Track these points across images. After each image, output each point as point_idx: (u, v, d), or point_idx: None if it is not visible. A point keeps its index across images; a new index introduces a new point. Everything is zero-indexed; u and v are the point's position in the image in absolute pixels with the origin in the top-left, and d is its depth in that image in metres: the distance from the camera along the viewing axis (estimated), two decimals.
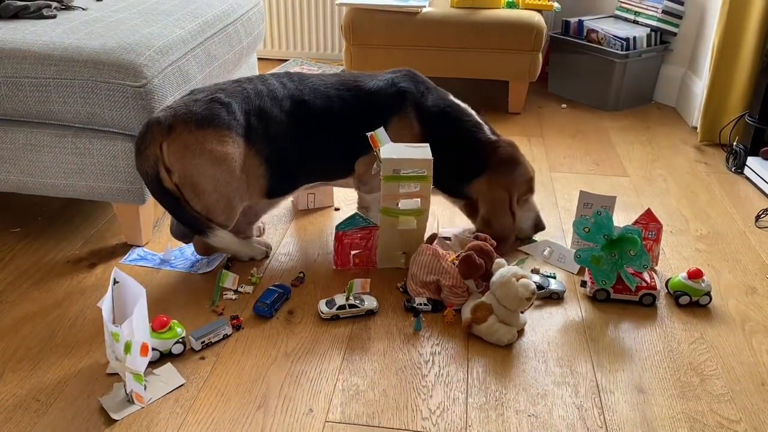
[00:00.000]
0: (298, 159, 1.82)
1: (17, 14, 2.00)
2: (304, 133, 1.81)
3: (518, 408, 1.44)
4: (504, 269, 1.64)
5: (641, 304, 1.78)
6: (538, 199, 2.30)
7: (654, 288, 1.77)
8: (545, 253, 1.96)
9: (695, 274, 1.76)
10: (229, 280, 1.75)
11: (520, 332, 1.67)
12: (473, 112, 1.97)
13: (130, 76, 1.75)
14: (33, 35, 1.85)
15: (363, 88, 1.89)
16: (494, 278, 1.64)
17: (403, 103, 1.89)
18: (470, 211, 1.98)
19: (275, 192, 1.84)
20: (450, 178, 1.93)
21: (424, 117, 1.90)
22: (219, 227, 1.76)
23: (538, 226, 2.02)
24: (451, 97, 1.98)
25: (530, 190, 1.98)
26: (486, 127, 1.95)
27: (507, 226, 1.91)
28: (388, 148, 1.79)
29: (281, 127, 1.78)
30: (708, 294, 1.77)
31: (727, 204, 2.33)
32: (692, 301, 1.77)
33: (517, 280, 1.60)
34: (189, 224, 1.75)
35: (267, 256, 1.96)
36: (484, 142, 1.92)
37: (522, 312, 1.67)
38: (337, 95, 1.86)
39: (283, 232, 2.10)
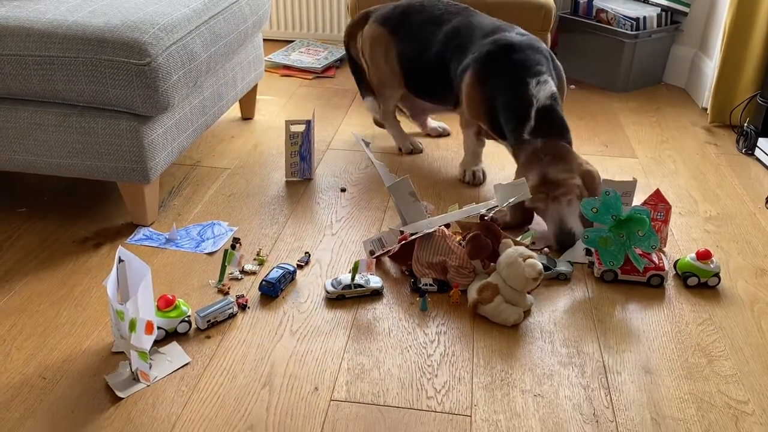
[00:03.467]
0: (420, 74, 2.35)
1: None
2: (424, 57, 2.31)
3: (524, 388, 1.43)
4: (511, 249, 1.63)
5: (649, 285, 1.77)
6: None
7: (662, 269, 1.75)
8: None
9: (704, 255, 1.74)
10: (235, 259, 1.75)
11: (527, 313, 1.66)
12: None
13: (134, 54, 1.73)
14: (36, 13, 1.83)
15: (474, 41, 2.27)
16: (501, 258, 1.63)
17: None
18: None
19: (410, 89, 2.41)
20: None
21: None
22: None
23: None
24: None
25: None
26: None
27: None
28: (502, 194, 1.82)
29: (415, 46, 2.32)
30: (717, 275, 1.75)
31: (736, 185, 2.31)
32: (701, 282, 1.76)
33: (524, 261, 1.59)
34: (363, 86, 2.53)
35: (411, 153, 2.50)
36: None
37: (528, 292, 1.66)
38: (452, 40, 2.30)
39: (289, 212, 2.09)
